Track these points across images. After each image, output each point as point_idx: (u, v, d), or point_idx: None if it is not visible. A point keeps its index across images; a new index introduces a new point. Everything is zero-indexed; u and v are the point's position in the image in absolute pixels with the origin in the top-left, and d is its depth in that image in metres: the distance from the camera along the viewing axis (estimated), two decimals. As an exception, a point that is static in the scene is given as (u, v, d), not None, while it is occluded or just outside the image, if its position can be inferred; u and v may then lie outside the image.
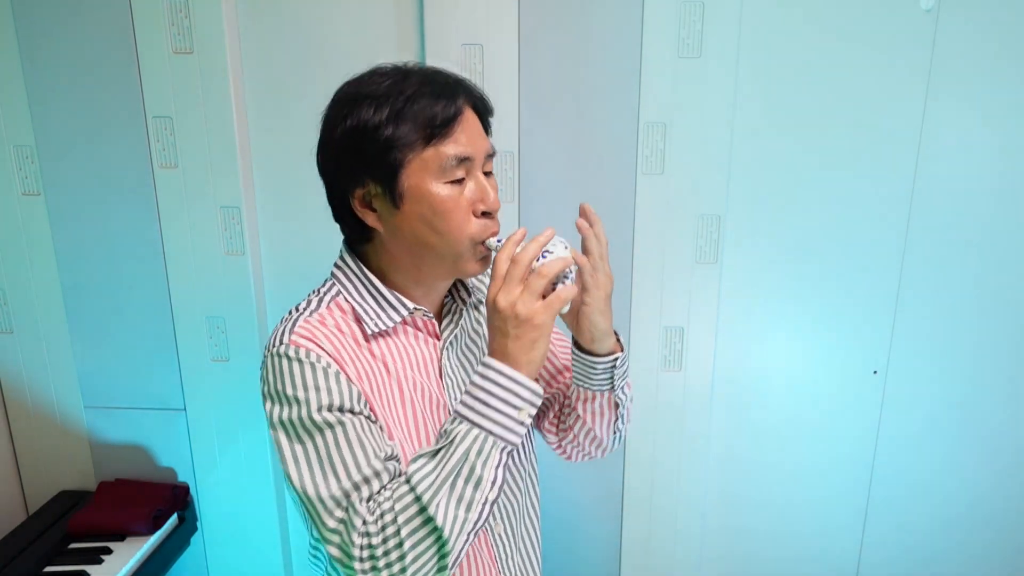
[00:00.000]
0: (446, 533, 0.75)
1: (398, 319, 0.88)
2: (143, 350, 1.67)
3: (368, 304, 0.88)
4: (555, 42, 1.48)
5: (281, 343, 0.82)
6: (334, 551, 0.77)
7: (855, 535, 1.74)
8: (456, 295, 0.97)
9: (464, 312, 0.97)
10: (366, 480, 0.77)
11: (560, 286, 0.81)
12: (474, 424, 0.77)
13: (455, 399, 0.92)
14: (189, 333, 1.64)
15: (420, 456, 0.78)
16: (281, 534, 1.77)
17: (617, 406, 0.97)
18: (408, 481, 0.76)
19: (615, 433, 1.01)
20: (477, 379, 0.79)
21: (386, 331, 0.89)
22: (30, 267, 1.63)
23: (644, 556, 1.75)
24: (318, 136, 0.87)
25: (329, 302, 0.88)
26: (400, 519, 0.75)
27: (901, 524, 1.72)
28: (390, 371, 0.87)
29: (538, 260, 0.80)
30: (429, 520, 0.75)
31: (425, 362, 0.91)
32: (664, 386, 1.64)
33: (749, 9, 1.44)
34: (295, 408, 0.79)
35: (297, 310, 0.87)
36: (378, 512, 0.76)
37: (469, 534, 0.77)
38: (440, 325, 0.94)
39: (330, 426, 0.79)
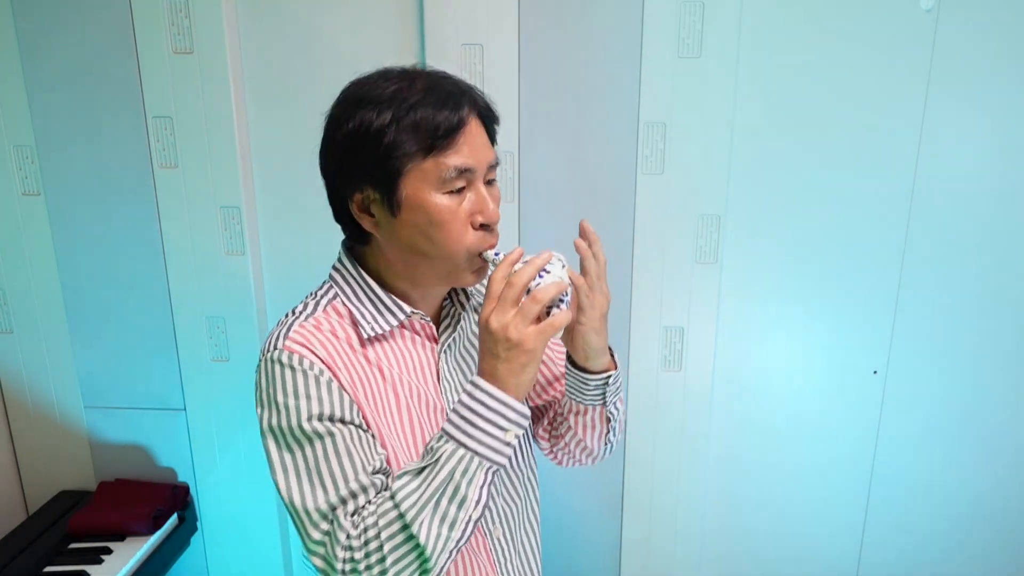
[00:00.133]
0: (428, 551, 0.75)
1: (395, 323, 0.88)
2: (143, 350, 1.67)
3: (365, 308, 0.87)
4: (555, 42, 1.48)
5: (275, 348, 0.81)
6: (318, 562, 0.78)
7: (855, 535, 1.74)
8: (455, 298, 0.96)
9: (463, 315, 0.97)
10: (353, 495, 0.78)
11: (555, 310, 0.80)
12: (460, 444, 0.77)
13: (452, 402, 0.92)
14: (189, 333, 1.64)
15: (405, 473, 0.78)
16: (281, 534, 1.77)
17: (609, 420, 0.97)
18: (392, 498, 0.76)
19: (606, 445, 1.01)
20: (465, 398, 0.78)
21: (383, 335, 0.88)
22: (30, 267, 1.63)
23: (644, 556, 1.75)
24: (322, 134, 0.86)
25: (326, 305, 0.88)
26: (383, 535, 0.75)
27: (901, 524, 1.72)
28: (385, 376, 0.87)
29: (535, 281, 0.79)
30: (412, 537, 0.75)
31: (422, 366, 0.90)
32: (664, 386, 1.64)
33: (749, 9, 1.44)
34: (285, 416, 0.79)
35: (293, 313, 0.87)
36: (362, 526, 0.76)
37: (452, 551, 0.77)
38: (438, 329, 0.94)
39: (319, 436, 0.79)
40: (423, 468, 0.77)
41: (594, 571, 1.78)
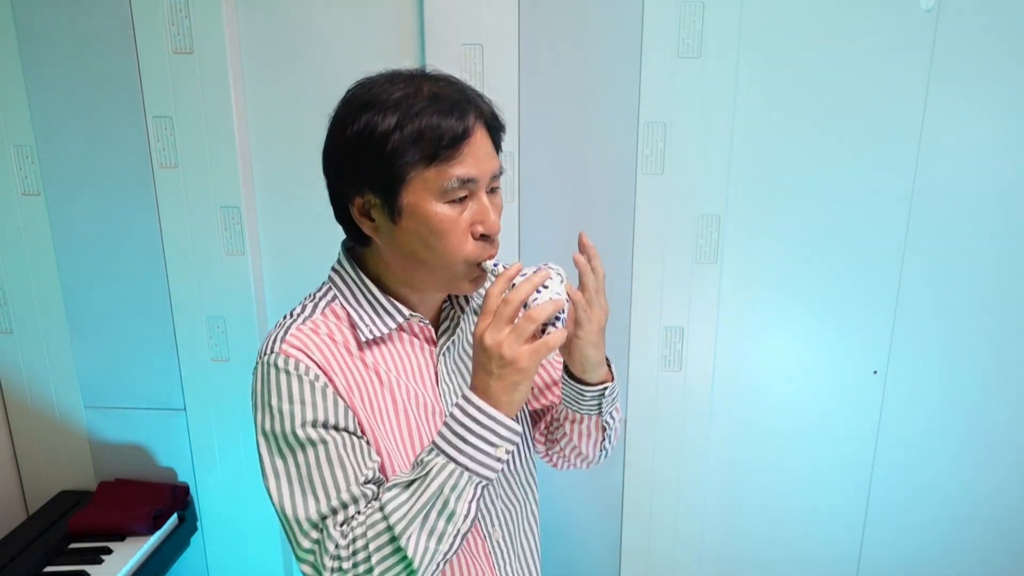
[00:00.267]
0: (416, 563, 0.76)
1: (394, 325, 0.87)
2: (143, 350, 1.67)
3: (364, 310, 0.87)
4: (555, 42, 1.48)
5: (272, 351, 0.81)
6: (307, 569, 0.79)
7: (855, 534, 1.74)
8: (455, 301, 0.96)
9: (462, 318, 0.96)
10: (344, 505, 0.78)
11: (550, 328, 0.80)
12: (450, 458, 0.77)
13: (451, 405, 0.92)
14: (189, 333, 1.64)
15: (395, 484, 0.78)
16: (281, 534, 1.77)
17: (604, 428, 0.98)
18: (382, 510, 0.77)
19: (602, 451, 1.02)
20: (457, 412, 0.78)
21: (381, 338, 0.88)
22: (30, 267, 1.63)
23: (644, 558, 1.75)
24: (326, 134, 0.85)
25: (324, 308, 0.87)
26: (372, 546, 0.76)
27: (901, 524, 1.72)
28: (383, 380, 0.87)
29: (532, 297, 0.79)
30: (399, 550, 0.76)
31: (421, 369, 0.90)
32: (664, 386, 1.64)
33: (749, 9, 1.44)
34: (279, 420, 0.79)
35: (291, 316, 0.87)
36: (351, 536, 0.77)
37: (439, 564, 0.78)
38: (437, 331, 0.93)
39: (312, 444, 0.79)
40: (413, 481, 0.77)
41: (594, 573, 1.78)
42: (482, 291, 0.99)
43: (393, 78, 0.82)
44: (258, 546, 1.78)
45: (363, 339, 0.86)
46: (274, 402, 0.80)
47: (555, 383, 1.05)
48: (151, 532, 1.58)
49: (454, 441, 0.77)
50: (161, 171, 1.56)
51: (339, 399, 0.81)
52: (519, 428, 0.80)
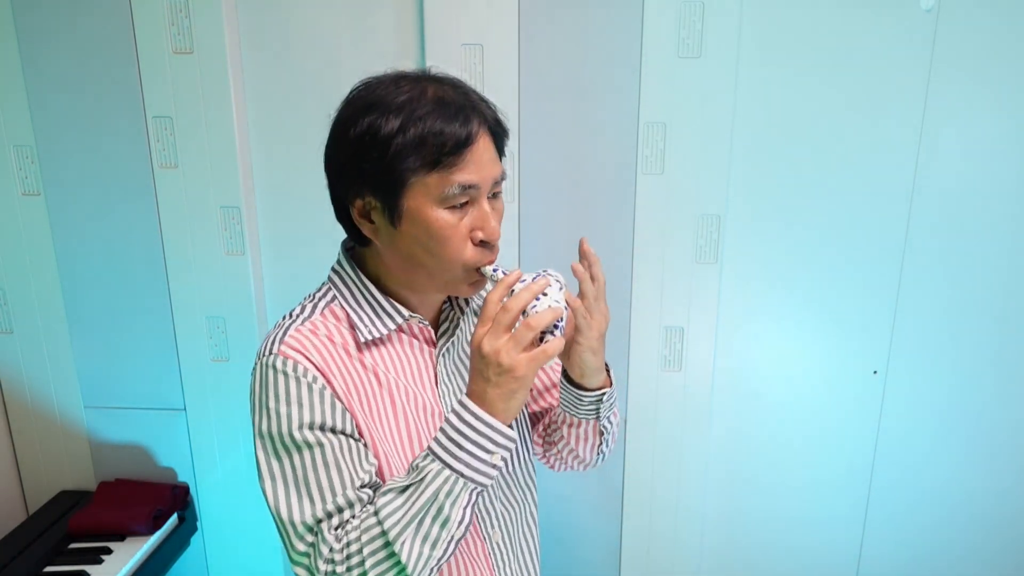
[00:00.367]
0: (410, 568, 0.76)
1: (393, 326, 0.87)
2: (143, 350, 1.67)
3: (363, 311, 0.87)
4: (555, 42, 1.48)
5: (270, 353, 0.81)
6: (301, 572, 0.79)
7: (855, 533, 1.74)
8: (455, 302, 0.96)
9: (462, 319, 0.96)
10: (339, 509, 0.78)
11: (549, 336, 0.79)
12: (445, 464, 0.77)
13: (450, 407, 0.92)
14: (189, 333, 1.64)
15: (390, 489, 0.78)
16: (281, 534, 1.77)
17: (602, 433, 0.98)
18: (376, 514, 0.76)
19: (599, 455, 1.02)
20: (453, 418, 0.78)
21: (380, 339, 0.88)
22: (30, 267, 1.63)
23: (644, 557, 1.75)
24: (328, 132, 0.84)
25: (324, 308, 0.87)
26: (365, 551, 0.76)
27: (901, 524, 1.72)
28: (381, 382, 0.86)
29: (531, 304, 0.78)
30: (393, 555, 0.76)
31: (420, 370, 0.90)
32: (664, 386, 1.64)
33: (749, 9, 1.44)
34: (276, 422, 0.79)
35: (291, 316, 0.86)
36: (345, 540, 0.77)
37: (433, 569, 0.78)
38: (437, 332, 0.93)
39: (309, 446, 0.79)
40: (407, 486, 0.77)
41: (594, 574, 1.78)
42: (483, 293, 0.99)
43: (397, 80, 0.81)
44: (258, 546, 1.78)
45: (362, 340, 0.86)
46: (271, 403, 0.79)
47: (554, 386, 1.05)
48: (151, 532, 1.59)
49: (449, 447, 0.77)
50: (161, 171, 1.56)
51: (337, 401, 0.81)
52: (515, 435, 0.80)
